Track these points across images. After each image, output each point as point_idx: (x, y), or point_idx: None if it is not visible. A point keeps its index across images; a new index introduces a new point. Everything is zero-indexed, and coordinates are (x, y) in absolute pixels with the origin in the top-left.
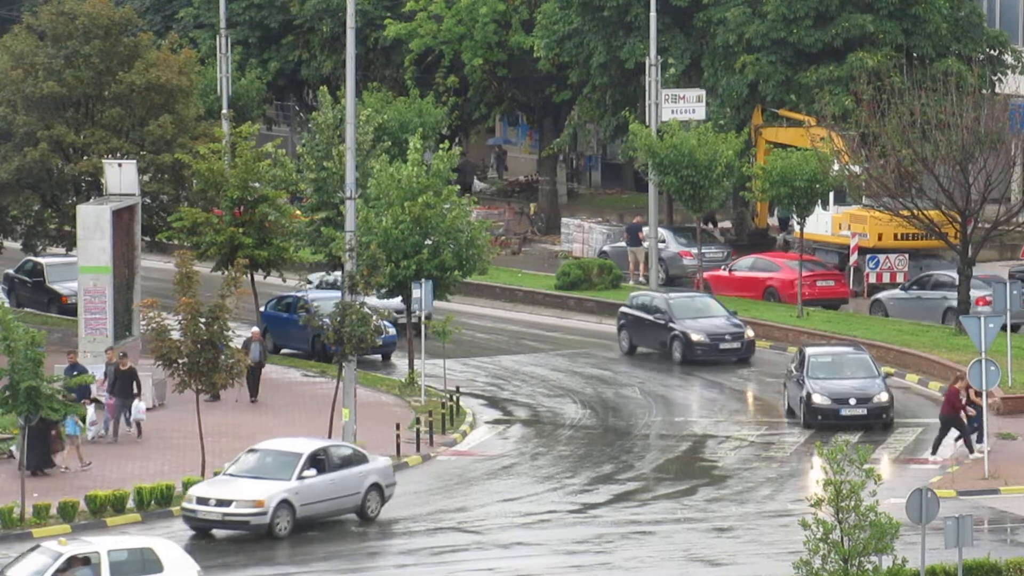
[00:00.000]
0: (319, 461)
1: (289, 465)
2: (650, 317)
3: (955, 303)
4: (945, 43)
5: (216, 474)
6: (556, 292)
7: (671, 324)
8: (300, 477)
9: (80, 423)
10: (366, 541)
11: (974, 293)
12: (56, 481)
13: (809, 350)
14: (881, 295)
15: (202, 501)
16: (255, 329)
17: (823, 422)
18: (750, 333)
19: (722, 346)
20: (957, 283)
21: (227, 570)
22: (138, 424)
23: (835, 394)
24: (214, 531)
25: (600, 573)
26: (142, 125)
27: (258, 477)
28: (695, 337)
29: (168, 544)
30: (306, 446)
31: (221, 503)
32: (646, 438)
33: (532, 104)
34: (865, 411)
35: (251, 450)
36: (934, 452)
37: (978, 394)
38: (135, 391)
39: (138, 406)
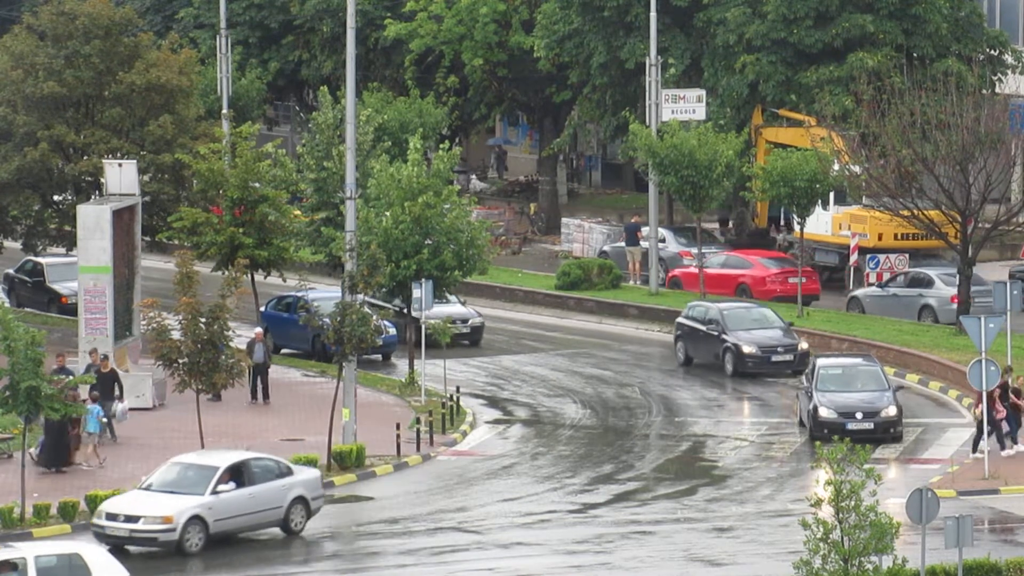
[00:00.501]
0: (238, 474)
1: (204, 479)
2: (703, 328)
3: (931, 300)
4: (945, 43)
5: (136, 487)
6: (556, 292)
7: (724, 336)
8: (215, 492)
9: (102, 421)
10: (367, 541)
11: (948, 292)
12: (70, 479)
13: (820, 361)
14: (858, 292)
15: (111, 517)
16: (258, 330)
17: (829, 436)
18: (804, 345)
19: (774, 358)
20: (931, 281)
21: (232, 570)
22: (111, 427)
23: (841, 408)
24: (127, 547)
25: (600, 573)
26: (142, 125)
27: (172, 491)
28: (747, 349)
29: (97, 550)
30: (224, 459)
31: (129, 519)
32: (646, 438)
33: (532, 104)
34: (872, 425)
35: (172, 463)
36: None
37: (1017, 394)
38: (116, 393)
39: (122, 407)
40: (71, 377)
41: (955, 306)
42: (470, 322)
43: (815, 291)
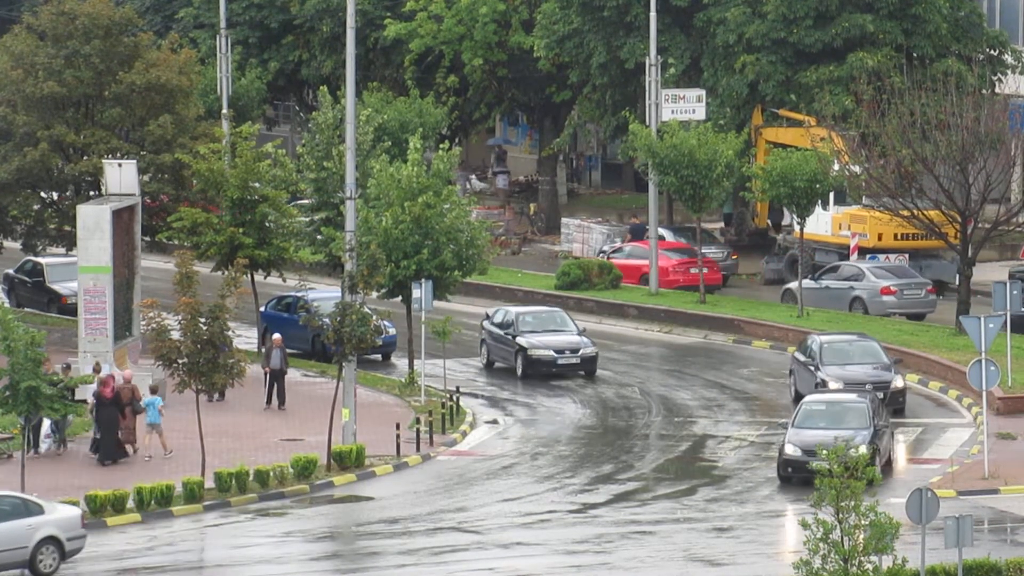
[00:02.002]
0: None
1: None
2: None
3: (861, 293)
4: (945, 43)
5: None
6: (556, 292)
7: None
8: None
9: (162, 413)
10: (367, 541)
11: (878, 284)
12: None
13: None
14: (791, 284)
15: None
16: (277, 336)
17: (791, 475)
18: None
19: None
20: (862, 274)
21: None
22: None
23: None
24: None
25: (600, 573)
26: (142, 125)
27: None
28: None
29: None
30: None
31: None
32: (646, 438)
33: (532, 104)
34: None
35: None
36: None
37: None
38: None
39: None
40: (71, 377)
41: (884, 298)
42: (581, 352)
43: (717, 280)
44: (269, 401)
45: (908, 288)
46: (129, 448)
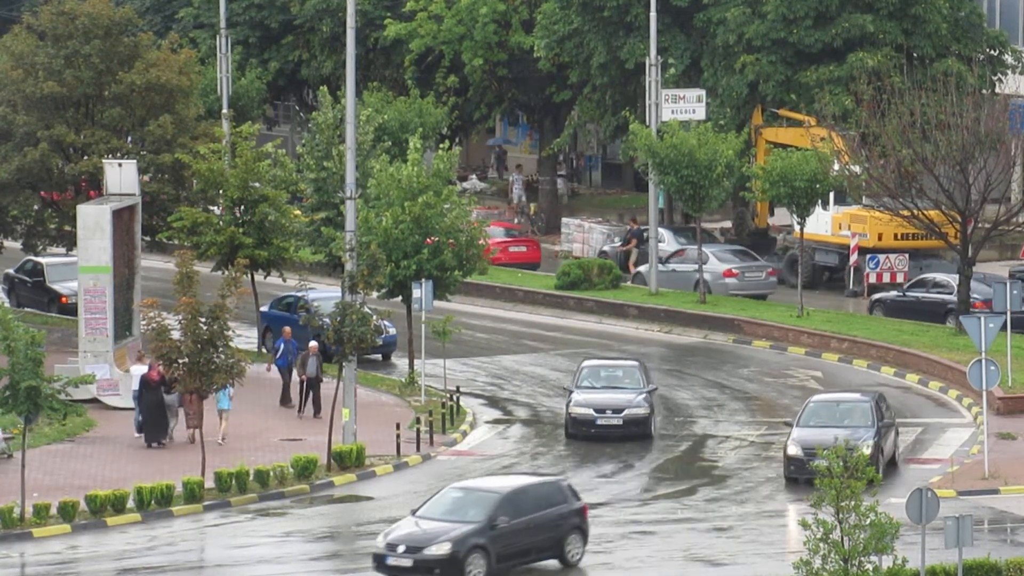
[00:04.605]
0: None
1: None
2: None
3: (706, 275)
4: (945, 43)
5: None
6: (556, 292)
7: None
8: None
9: (232, 399)
10: (367, 541)
11: (721, 267)
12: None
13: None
14: (641, 268)
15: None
16: (313, 343)
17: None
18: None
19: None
20: (707, 258)
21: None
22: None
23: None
24: None
25: (600, 573)
26: (142, 125)
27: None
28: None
29: None
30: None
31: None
32: (646, 438)
33: (532, 104)
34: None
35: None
36: None
37: None
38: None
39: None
40: (70, 377)
41: (727, 280)
42: (625, 412)
43: (535, 259)
44: (301, 409)
45: (749, 271)
46: (196, 433)
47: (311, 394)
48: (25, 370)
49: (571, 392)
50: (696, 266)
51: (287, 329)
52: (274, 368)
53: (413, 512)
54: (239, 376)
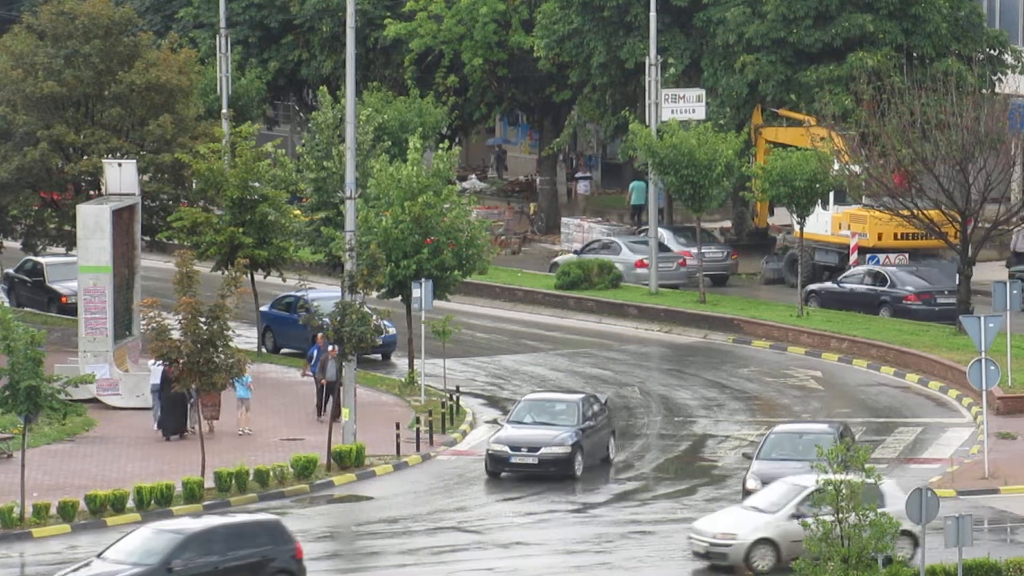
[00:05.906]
0: None
1: None
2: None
3: (618, 265)
4: (945, 43)
5: None
6: (556, 292)
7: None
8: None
9: (251, 388)
10: (367, 541)
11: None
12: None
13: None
14: (558, 259)
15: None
16: (332, 347)
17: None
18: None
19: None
20: (619, 248)
21: None
22: None
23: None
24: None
25: (600, 573)
26: (142, 125)
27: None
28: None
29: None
30: None
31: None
32: (646, 438)
33: (532, 104)
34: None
35: None
36: None
37: None
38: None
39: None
40: (70, 377)
41: (638, 271)
42: (541, 452)
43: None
44: (321, 413)
45: (662, 261)
46: (214, 424)
47: (330, 398)
48: (25, 370)
49: (500, 427)
50: (609, 256)
51: (320, 336)
52: (308, 373)
53: (99, 555)
54: (239, 376)
